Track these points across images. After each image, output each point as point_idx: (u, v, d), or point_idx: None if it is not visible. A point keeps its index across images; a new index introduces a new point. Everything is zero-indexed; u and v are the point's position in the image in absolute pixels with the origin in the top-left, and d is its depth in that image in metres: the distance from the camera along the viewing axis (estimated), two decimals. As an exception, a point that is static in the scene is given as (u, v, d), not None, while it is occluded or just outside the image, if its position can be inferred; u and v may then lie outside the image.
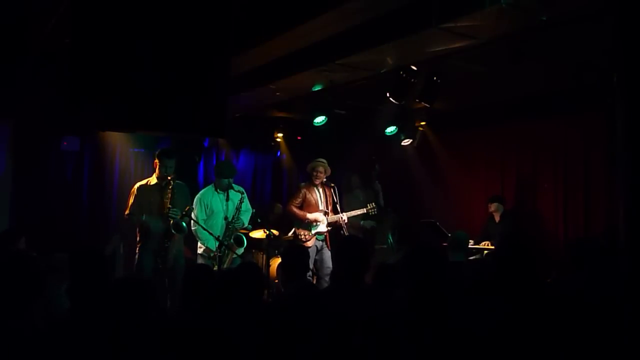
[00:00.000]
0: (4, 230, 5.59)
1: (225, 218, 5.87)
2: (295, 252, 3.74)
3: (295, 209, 6.60)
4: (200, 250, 5.96)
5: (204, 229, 5.62)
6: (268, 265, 6.68)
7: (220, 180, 5.98)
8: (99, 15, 3.96)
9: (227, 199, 5.91)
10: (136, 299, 2.62)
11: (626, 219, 3.42)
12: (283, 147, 8.90)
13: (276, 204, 8.30)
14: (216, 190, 6.04)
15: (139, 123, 4.32)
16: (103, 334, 2.49)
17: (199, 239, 5.90)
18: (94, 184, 7.60)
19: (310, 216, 6.52)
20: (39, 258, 2.98)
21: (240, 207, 5.93)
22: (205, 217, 5.90)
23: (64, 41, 4.43)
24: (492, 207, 7.26)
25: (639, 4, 3.42)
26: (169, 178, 5.39)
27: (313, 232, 6.51)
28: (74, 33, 4.00)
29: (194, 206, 5.90)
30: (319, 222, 6.54)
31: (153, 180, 5.49)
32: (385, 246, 7.70)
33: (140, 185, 5.48)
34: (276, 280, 6.86)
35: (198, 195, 6.02)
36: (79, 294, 2.72)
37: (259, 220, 6.59)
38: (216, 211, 5.94)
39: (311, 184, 6.69)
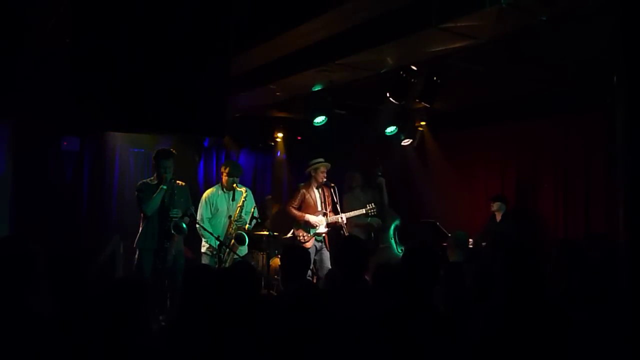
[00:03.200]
0: (11, 234, 5.59)
1: (229, 217, 5.99)
2: (294, 253, 3.73)
3: (294, 210, 6.61)
4: (204, 249, 6.04)
5: (204, 229, 5.68)
6: (268, 265, 6.68)
7: (228, 178, 6.05)
8: (99, 15, 3.96)
9: (233, 199, 6.01)
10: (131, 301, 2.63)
11: (626, 219, 3.42)
12: (283, 147, 8.89)
13: (267, 197, 8.31)
14: (222, 189, 6.11)
15: (139, 123, 4.32)
16: (86, 335, 2.50)
17: (203, 236, 5.97)
18: (94, 184, 7.59)
19: (310, 219, 6.52)
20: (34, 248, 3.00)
21: (243, 205, 5.99)
22: (210, 216, 6.03)
23: (64, 41, 4.43)
24: (495, 206, 7.25)
25: (639, 4, 3.42)
26: (171, 179, 5.38)
27: (311, 233, 6.52)
28: (74, 33, 4.01)
29: (200, 205, 6.02)
30: (318, 225, 6.54)
31: (154, 180, 5.48)
32: (387, 245, 7.67)
33: (143, 183, 5.49)
34: (276, 277, 6.85)
35: (205, 194, 6.13)
36: (59, 296, 2.75)
37: (259, 220, 6.58)
38: (221, 210, 6.05)
39: (310, 185, 6.69)
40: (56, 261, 2.86)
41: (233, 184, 6.03)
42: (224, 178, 6.11)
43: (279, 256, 6.65)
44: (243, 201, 6.01)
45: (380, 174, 7.57)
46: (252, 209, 6.12)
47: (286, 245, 6.23)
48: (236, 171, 6.16)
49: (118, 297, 2.64)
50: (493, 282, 2.91)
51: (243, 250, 6.00)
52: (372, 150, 8.15)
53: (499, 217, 7.26)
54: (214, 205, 6.05)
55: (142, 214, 5.43)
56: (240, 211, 5.99)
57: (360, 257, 3.19)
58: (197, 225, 5.79)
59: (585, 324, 2.68)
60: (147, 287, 2.88)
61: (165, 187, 5.33)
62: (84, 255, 3.15)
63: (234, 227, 5.96)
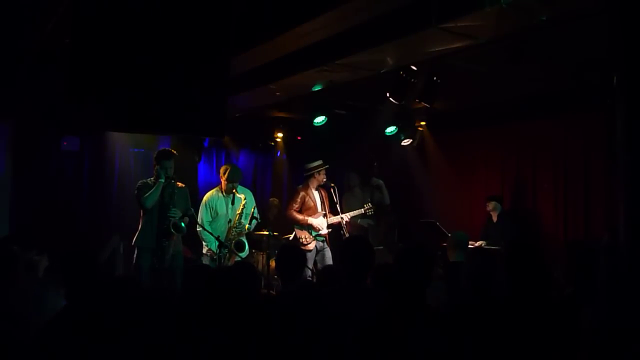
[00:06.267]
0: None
1: (229, 221, 6.00)
2: (288, 253, 3.70)
3: (295, 213, 6.60)
4: (204, 250, 6.06)
5: (206, 230, 5.69)
6: (268, 265, 6.68)
7: (227, 183, 6.04)
8: (99, 15, 3.97)
9: (233, 203, 6.01)
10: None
11: (626, 218, 3.42)
12: (283, 147, 8.90)
13: (272, 199, 8.32)
14: (222, 192, 6.10)
15: (139, 123, 4.33)
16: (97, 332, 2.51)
17: (203, 240, 5.99)
18: (94, 184, 7.60)
19: (313, 222, 6.52)
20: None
21: (242, 212, 6.00)
22: (210, 220, 6.04)
23: (64, 41, 4.43)
24: (490, 205, 7.25)
25: (639, 4, 3.42)
26: (170, 176, 5.38)
27: (313, 234, 6.52)
28: (74, 33, 4.01)
29: (200, 208, 6.03)
30: (321, 228, 6.54)
31: (154, 180, 5.47)
32: (381, 247, 7.66)
33: (143, 182, 5.49)
34: (276, 277, 6.84)
35: (204, 198, 6.14)
36: (74, 295, 2.76)
37: (259, 220, 6.58)
38: (220, 214, 6.06)
39: (308, 187, 6.68)
40: (69, 259, 2.90)
41: (232, 189, 6.01)
42: (223, 183, 6.09)
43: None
44: (242, 208, 6.00)
45: (375, 171, 7.57)
46: (252, 209, 6.12)
47: (280, 247, 6.22)
48: (236, 176, 6.11)
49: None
50: (491, 281, 2.91)
51: (243, 254, 5.99)
52: (372, 151, 8.16)
53: (495, 217, 7.26)
54: (213, 209, 6.06)
55: (141, 212, 5.43)
56: (240, 217, 5.99)
57: (364, 257, 3.18)
58: (199, 229, 5.81)
59: (587, 323, 2.68)
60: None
61: (162, 180, 5.34)
62: (95, 253, 3.20)
63: (233, 233, 5.97)
